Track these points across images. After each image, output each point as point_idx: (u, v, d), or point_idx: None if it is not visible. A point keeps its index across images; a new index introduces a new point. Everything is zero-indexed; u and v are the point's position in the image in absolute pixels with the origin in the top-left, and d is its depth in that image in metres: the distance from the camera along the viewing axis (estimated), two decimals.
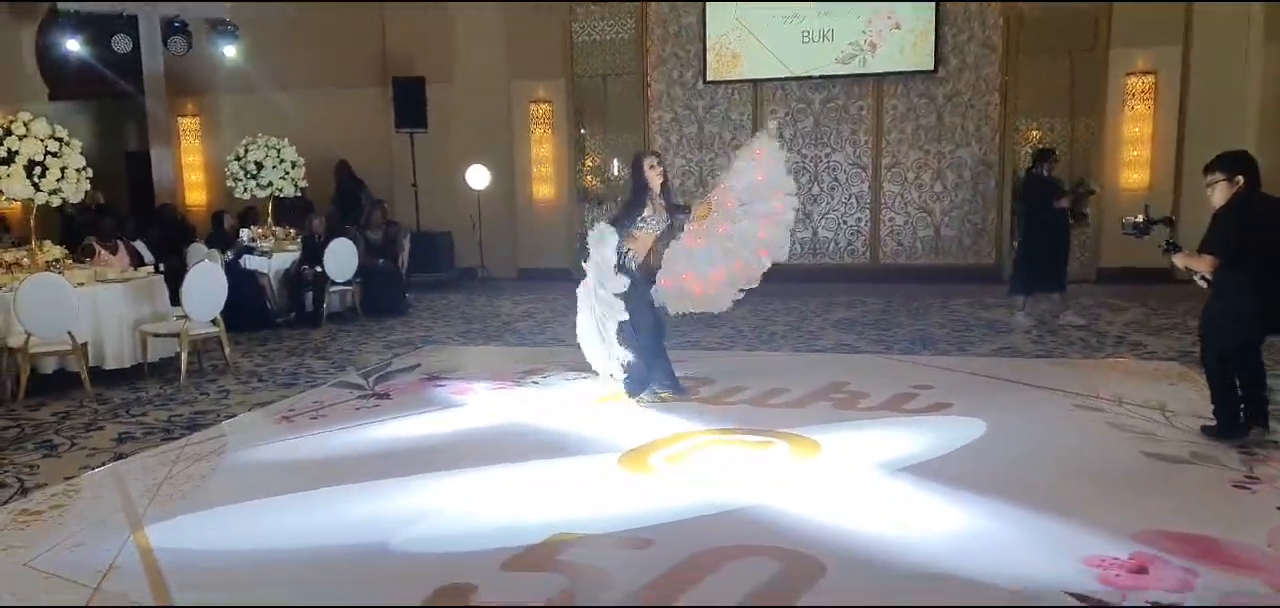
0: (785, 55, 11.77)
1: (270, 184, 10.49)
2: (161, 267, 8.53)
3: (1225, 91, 10.55)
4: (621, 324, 5.72)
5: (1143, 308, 9.15)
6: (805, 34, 11.69)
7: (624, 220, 5.80)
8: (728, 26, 11.89)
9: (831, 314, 9.32)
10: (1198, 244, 4.76)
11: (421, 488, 4.49)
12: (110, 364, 6.85)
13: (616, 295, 5.64)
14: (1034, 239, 8.46)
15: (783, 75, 11.85)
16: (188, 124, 13.86)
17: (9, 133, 6.72)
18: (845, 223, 12.02)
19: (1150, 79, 10.86)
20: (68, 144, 6.98)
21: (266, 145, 10.51)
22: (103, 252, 8.23)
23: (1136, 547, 3.55)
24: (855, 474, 4.57)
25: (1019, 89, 11.30)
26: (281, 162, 10.54)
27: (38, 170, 6.77)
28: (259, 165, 10.44)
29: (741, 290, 5.94)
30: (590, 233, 5.84)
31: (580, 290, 5.96)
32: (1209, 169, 4.74)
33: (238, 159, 10.49)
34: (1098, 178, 10.78)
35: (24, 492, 4.47)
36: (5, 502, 4.34)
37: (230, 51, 12.94)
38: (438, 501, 4.34)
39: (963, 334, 8.15)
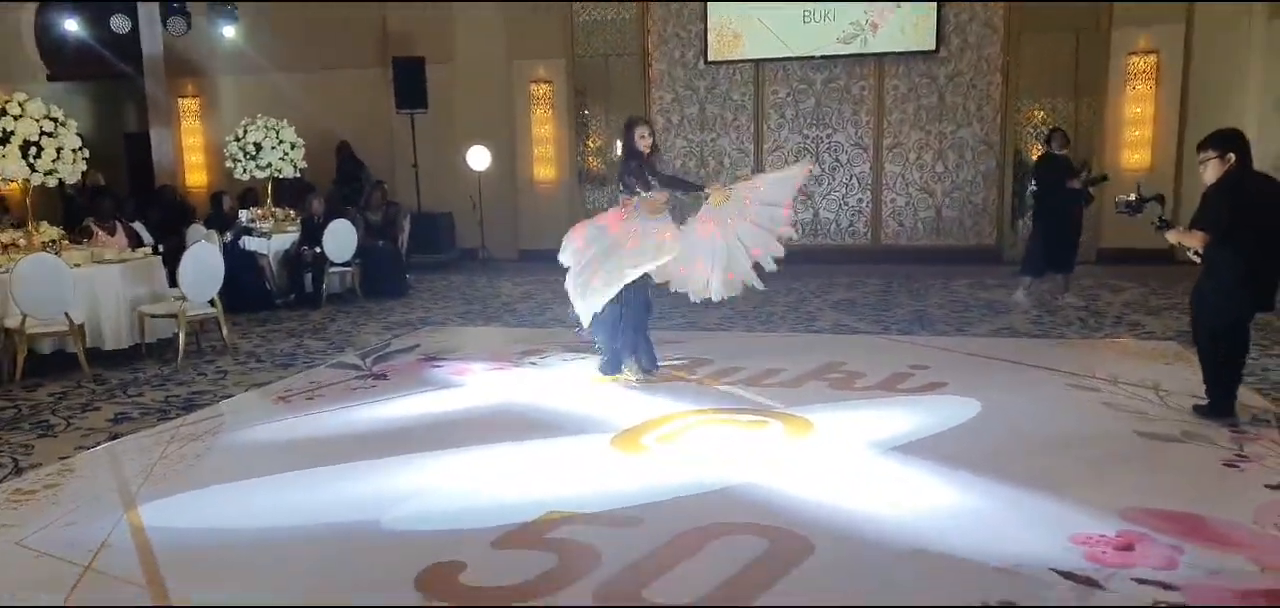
0: (786, 35, 11.71)
1: (269, 165, 10.48)
2: (161, 247, 8.55)
3: (1227, 71, 10.48)
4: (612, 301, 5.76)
5: (1142, 288, 9.12)
6: (806, 14, 11.62)
7: (633, 184, 5.75)
8: (729, 7, 11.83)
9: (831, 295, 9.31)
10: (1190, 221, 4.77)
11: (416, 467, 4.51)
12: (108, 345, 6.87)
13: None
14: (1044, 220, 8.43)
15: (784, 55, 11.80)
16: (188, 105, 13.85)
17: (4, 113, 6.72)
18: (846, 204, 11.99)
19: (1152, 58, 10.79)
20: (64, 124, 6.98)
21: (266, 126, 10.49)
22: (100, 233, 8.23)
23: (1124, 524, 3.56)
24: (848, 453, 4.58)
25: (1021, 69, 11.24)
26: (280, 142, 10.52)
27: (33, 151, 6.78)
28: (258, 146, 10.43)
29: (724, 296, 5.92)
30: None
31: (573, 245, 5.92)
32: (1202, 147, 4.77)
33: (237, 140, 10.48)
34: (1099, 157, 10.73)
35: (18, 472, 4.50)
36: (0, 481, 4.36)
37: (230, 32, 12.93)
38: (431, 480, 4.36)
39: (962, 315, 8.14)
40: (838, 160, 11.94)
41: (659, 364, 6.14)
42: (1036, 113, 11.34)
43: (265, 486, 4.32)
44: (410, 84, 12.06)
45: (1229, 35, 10.48)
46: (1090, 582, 3.13)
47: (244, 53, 13.09)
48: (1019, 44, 11.20)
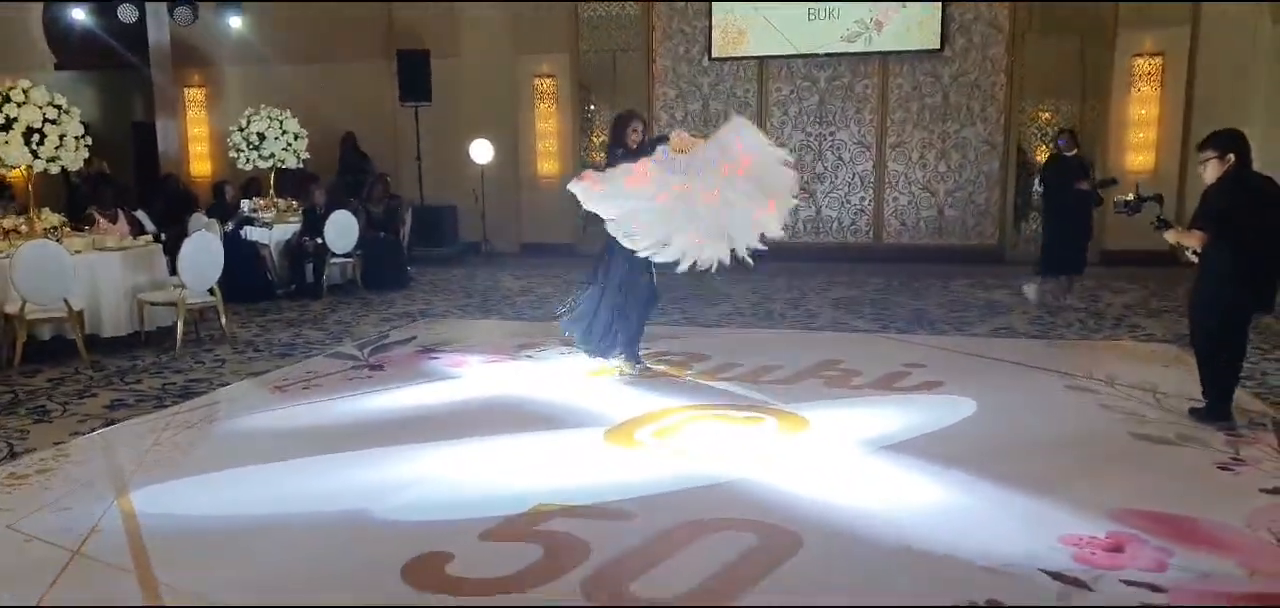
0: (791, 32, 11.68)
1: (272, 156, 10.50)
2: (163, 236, 8.57)
3: (1233, 74, 10.41)
4: (614, 294, 5.75)
5: (1143, 290, 9.09)
6: (811, 11, 11.60)
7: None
8: (734, 4, 11.80)
9: (831, 293, 9.30)
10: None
11: (409, 458, 4.52)
12: (107, 332, 6.90)
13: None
14: (1052, 221, 8.41)
15: (788, 53, 11.77)
16: (194, 95, 13.88)
17: (8, 99, 6.75)
18: (849, 202, 11.96)
19: (1157, 61, 10.72)
20: (67, 112, 7.00)
21: (269, 117, 10.51)
22: (102, 220, 8.25)
23: (1114, 526, 3.54)
24: (840, 451, 4.57)
25: (1025, 70, 11.20)
26: (284, 133, 10.54)
27: (36, 137, 6.80)
28: (261, 137, 10.45)
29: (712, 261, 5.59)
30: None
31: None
32: (1202, 147, 4.79)
33: (240, 130, 10.50)
34: (1103, 159, 10.69)
35: (13, 456, 4.52)
36: None
37: (236, 23, 12.94)
38: (424, 470, 4.36)
39: (961, 315, 8.12)
40: (841, 159, 11.91)
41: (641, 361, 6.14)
42: (1041, 114, 11.30)
43: (257, 474, 4.33)
44: (414, 77, 12.07)
45: (1235, 39, 10.42)
46: (1078, 583, 3.12)
47: (250, 44, 13.10)
48: (1024, 45, 11.15)
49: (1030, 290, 8.44)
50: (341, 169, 12.40)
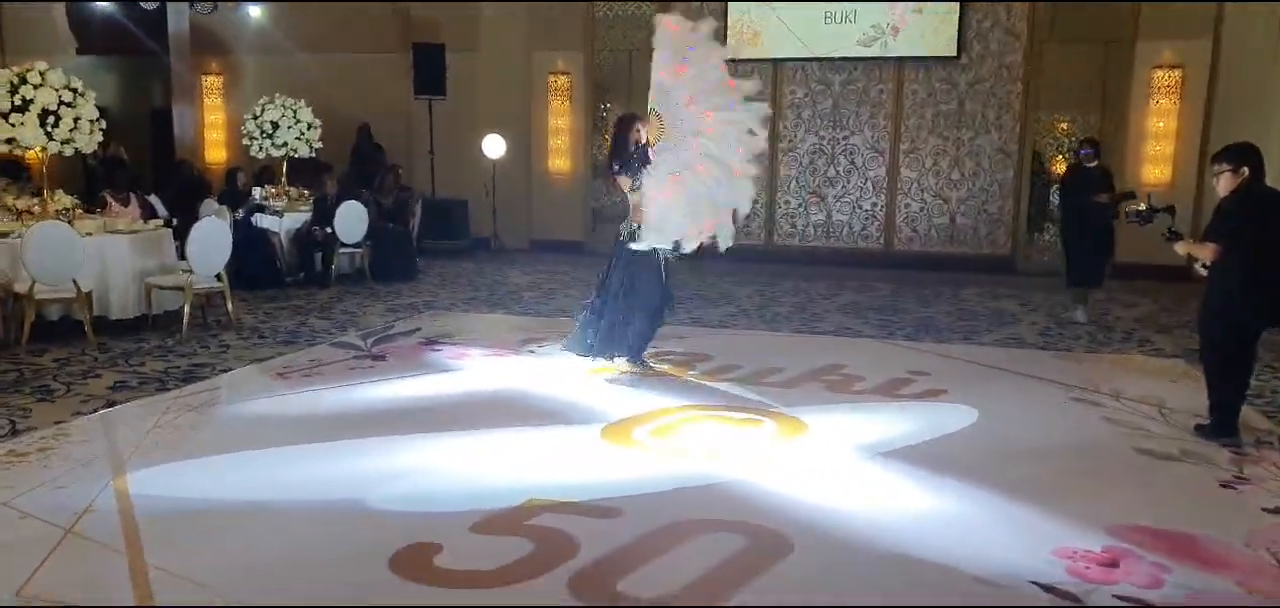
0: (806, 35, 11.63)
1: (285, 144, 10.54)
2: (175, 221, 8.62)
3: (1253, 87, 10.29)
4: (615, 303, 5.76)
5: (1154, 304, 9.00)
6: (827, 14, 11.55)
7: (637, 174, 5.70)
8: (749, 4, 11.77)
9: (838, 298, 9.24)
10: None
11: (405, 448, 4.52)
12: (115, 314, 6.95)
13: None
14: (1068, 233, 8.28)
15: (803, 55, 11.73)
16: (211, 83, 13.97)
17: (24, 81, 6.81)
18: (860, 207, 11.90)
19: (1177, 73, 10.62)
20: (82, 95, 7.05)
21: (283, 105, 10.56)
22: (114, 203, 8.32)
23: (1110, 540, 3.50)
24: (838, 455, 4.54)
25: (1042, 79, 11.11)
26: (297, 122, 10.58)
27: (51, 120, 6.86)
28: (275, 125, 10.49)
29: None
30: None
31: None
32: (1216, 159, 4.77)
33: (254, 118, 10.56)
34: (1120, 171, 10.56)
35: (15, 433, 4.55)
36: None
37: (254, 12, 13.03)
38: (420, 461, 4.36)
39: (969, 323, 8.06)
40: (853, 163, 11.85)
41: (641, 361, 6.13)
42: (1059, 123, 11.22)
43: (255, 459, 4.34)
44: (430, 70, 12.10)
45: (1256, 51, 10.30)
46: (1069, 596, 3.08)
47: (268, 33, 13.18)
48: (1042, 53, 11.07)
49: (1078, 314, 8.18)
50: (356, 159, 12.44)
